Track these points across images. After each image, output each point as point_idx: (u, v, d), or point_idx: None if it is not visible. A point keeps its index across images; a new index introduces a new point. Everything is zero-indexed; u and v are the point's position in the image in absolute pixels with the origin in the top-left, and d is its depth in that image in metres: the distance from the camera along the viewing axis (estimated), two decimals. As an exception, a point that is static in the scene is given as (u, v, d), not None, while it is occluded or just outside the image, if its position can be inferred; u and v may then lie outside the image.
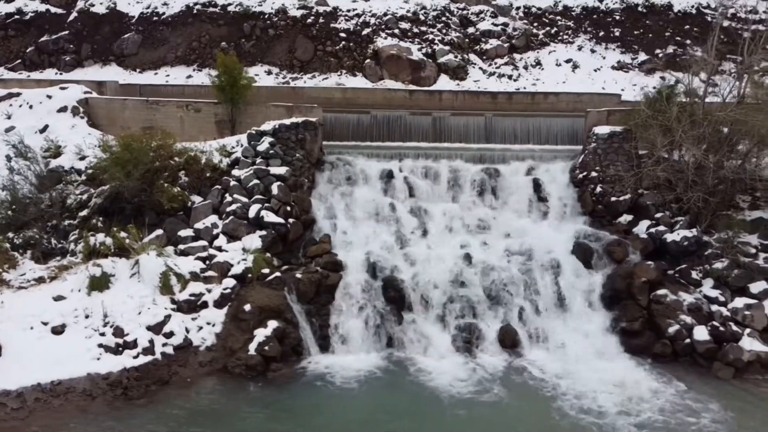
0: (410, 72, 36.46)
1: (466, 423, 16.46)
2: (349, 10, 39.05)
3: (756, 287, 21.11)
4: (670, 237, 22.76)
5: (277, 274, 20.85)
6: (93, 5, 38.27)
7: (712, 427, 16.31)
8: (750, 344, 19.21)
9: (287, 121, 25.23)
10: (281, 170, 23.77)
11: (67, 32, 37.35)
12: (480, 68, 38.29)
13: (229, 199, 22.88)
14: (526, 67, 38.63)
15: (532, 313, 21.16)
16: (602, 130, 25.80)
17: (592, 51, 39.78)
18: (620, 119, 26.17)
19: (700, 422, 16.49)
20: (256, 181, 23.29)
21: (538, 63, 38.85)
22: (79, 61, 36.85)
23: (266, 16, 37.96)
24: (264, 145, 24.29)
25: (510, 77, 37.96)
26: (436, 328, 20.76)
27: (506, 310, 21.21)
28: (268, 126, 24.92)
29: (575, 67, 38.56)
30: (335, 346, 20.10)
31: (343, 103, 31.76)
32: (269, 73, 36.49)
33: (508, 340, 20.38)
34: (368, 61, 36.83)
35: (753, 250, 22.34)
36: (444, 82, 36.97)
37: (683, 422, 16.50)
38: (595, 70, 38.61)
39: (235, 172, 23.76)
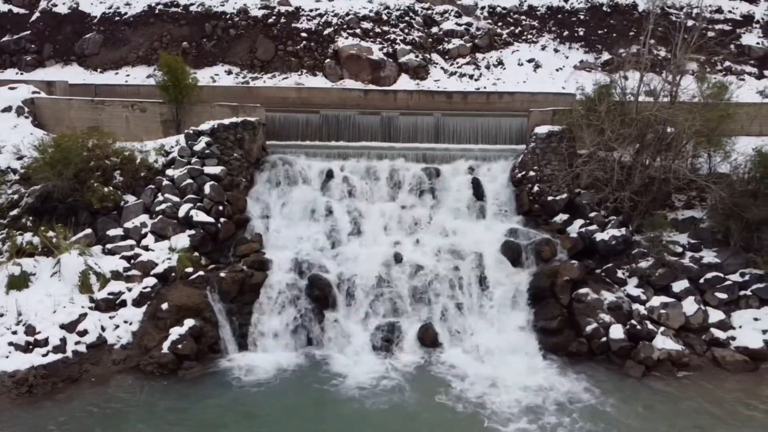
0: (370, 72, 36.49)
1: (367, 422, 16.55)
2: (311, 10, 39.12)
3: (678, 286, 21.23)
4: (599, 236, 22.86)
5: (201, 272, 21.02)
6: (56, 5, 38.46)
7: (608, 423, 16.41)
8: (662, 343, 19.29)
9: (226, 121, 25.34)
10: (216, 170, 23.89)
11: (29, 32, 37.53)
12: (441, 68, 38.32)
13: (160, 198, 23.01)
14: (488, 67, 38.62)
15: (455, 311, 21.28)
16: (541, 129, 25.90)
17: (556, 51, 39.73)
18: (562, 118, 26.23)
19: (596, 418, 16.59)
20: (189, 180, 23.44)
21: (500, 63, 38.84)
22: (41, 60, 37.04)
23: (228, 16, 38.08)
24: (200, 144, 24.41)
25: (471, 77, 37.96)
26: (357, 327, 20.89)
27: (430, 309, 21.35)
28: (206, 126, 25.03)
29: (537, 66, 38.53)
30: (254, 345, 20.28)
31: (298, 103, 31.89)
32: (229, 72, 36.58)
33: (428, 339, 20.48)
34: (328, 60, 36.90)
35: (680, 249, 22.42)
36: (404, 82, 37.00)
37: (581, 419, 16.59)
38: (557, 70, 38.56)
39: (169, 171, 23.93)
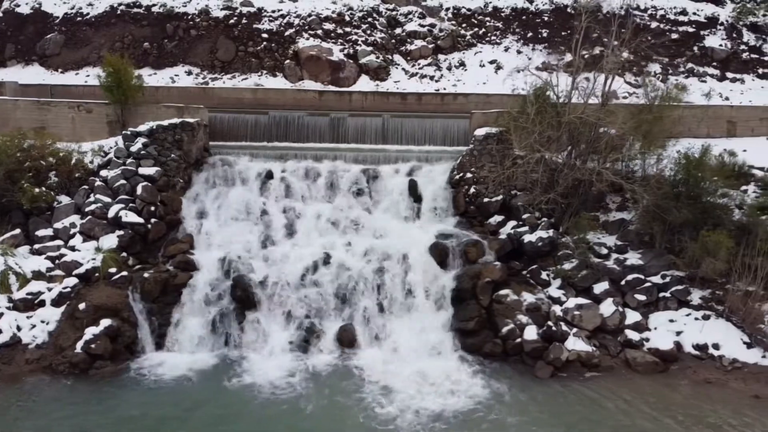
0: (330, 73, 36.67)
1: (265, 425, 16.62)
2: (274, 11, 39.26)
3: (599, 287, 21.38)
4: (527, 238, 22.95)
5: (124, 273, 21.13)
6: (18, 5, 38.73)
7: (496, 424, 16.61)
8: (573, 344, 19.39)
9: (165, 122, 25.50)
10: (151, 171, 24.04)
11: (-9, 32, 37.82)
12: (403, 69, 38.46)
13: (92, 199, 23.18)
14: (449, 68, 38.75)
15: (376, 312, 21.39)
16: (480, 131, 26.02)
17: (519, 52, 39.84)
18: (502, 120, 26.31)
19: (490, 419, 16.78)
20: (122, 181, 23.58)
21: (462, 64, 38.96)
22: (2, 61, 37.29)
23: (189, 17, 38.24)
24: (137, 145, 24.54)
25: (432, 78, 38.12)
26: (277, 327, 21.03)
27: (352, 310, 21.46)
28: (144, 127, 25.18)
29: (499, 68, 38.60)
30: (171, 345, 20.44)
31: (253, 104, 32.03)
32: (189, 73, 36.76)
33: (347, 339, 20.60)
34: (288, 61, 37.06)
35: (606, 251, 22.49)
36: (364, 83, 37.15)
37: (476, 419, 16.72)
38: (519, 71, 38.47)
39: (103, 172, 24.09)
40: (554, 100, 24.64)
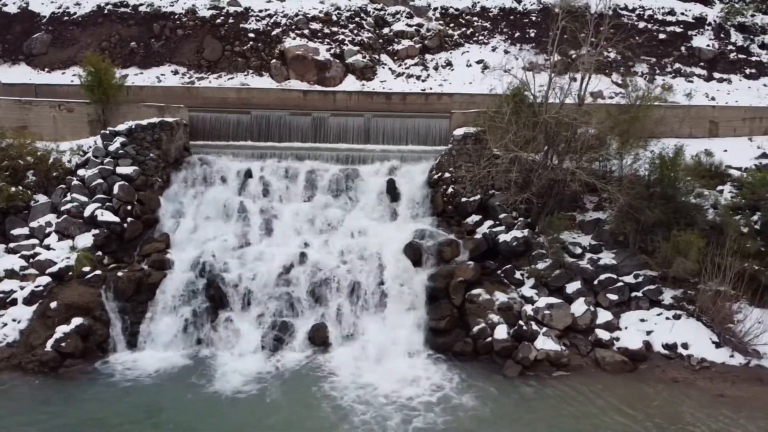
0: (316, 72, 36.71)
1: (232, 422, 16.67)
2: (261, 11, 39.34)
3: (572, 287, 21.40)
4: (502, 237, 22.96)
5: (98, 272, 21.19)
6: (6, 5, 38.83)
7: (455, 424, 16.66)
8: (542, 343, 19.42)
9: (144, 122, 25.56)
10: (128, 170, 24.11)
11: (-23, 32, 37.91)
12: (389, 69, 38.46)
13: (68, 198, 23.25)
14: (436, 68, 38.77)
15: (349, 311, 21.43)
16: (458, 131, 26.07)
17: (506, 52, 39.80)
18: (480, 120, 26.34)
19: (453, 418, 16.85)
20: (99, 180, 23.66)
21: (449, 63, 38.97)
22: (-11, 60, 37.37)
23: (176, 17, 38.31)
24: (115, 145, 24.60)
25: (418, 78, 38.12)
26: (250, 326, 21.05)
27: (325, 309, 21.51)
28: (122, 126, 25.25)
29: (485, 68, 38.51)
30: (143, 344, 20.49)
31: (238, 104, 32.07)
32: (176, 73, 36.82)
33: (319, 338, 20.66)
34: (274, 61, 37.10)
35: (580, 251, 22.52)
36: (350, 83, 37.19)
37: (438, 417, 16.82)
38: (506, 72, 38.49)
39: (81, 171, 24.16)
40: (531, 100, 24.65)
